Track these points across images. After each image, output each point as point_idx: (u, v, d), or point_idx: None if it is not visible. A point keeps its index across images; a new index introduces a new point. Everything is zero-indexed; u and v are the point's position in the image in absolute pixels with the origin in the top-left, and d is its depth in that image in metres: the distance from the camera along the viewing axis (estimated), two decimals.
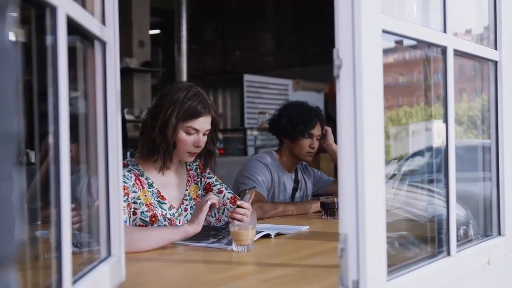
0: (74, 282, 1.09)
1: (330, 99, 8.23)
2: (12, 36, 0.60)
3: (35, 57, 1.07)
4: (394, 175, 2.16)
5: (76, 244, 1.37)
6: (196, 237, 2.04)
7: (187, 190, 2.34)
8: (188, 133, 2.18)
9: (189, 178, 2.36)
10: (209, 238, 2.04)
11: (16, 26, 0.63)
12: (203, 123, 2.20)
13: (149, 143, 2.19)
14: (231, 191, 2.40)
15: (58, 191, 1.00)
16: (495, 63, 1.81)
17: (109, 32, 1.36)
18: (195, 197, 2.35)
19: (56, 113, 1.00)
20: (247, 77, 8.07)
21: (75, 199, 1.15)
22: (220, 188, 2.38)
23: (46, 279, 1.12)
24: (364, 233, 1.15)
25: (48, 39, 1.01)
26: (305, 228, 2.35)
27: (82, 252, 1.45)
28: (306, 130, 2.98)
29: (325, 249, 1.93)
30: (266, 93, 8.19)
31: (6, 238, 0.57)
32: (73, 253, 1.06)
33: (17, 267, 0.60)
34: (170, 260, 1.80)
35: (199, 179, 2.40)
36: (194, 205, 2.33)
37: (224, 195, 2.35)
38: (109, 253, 1.36)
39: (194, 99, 2.17)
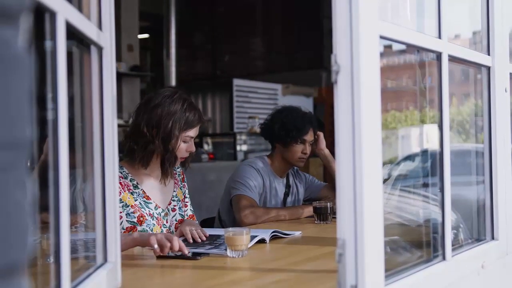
0: None
1: (319, 104, 8.24)
2: (25, 43, 0.60)
3: (32, 62, 1.06)
4: (385, 179, 2.17)
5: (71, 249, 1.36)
6: (192, 245, 2.03)
7: (174, 191, 2.42)
8: (185, 142, 2.29)
9: (175, 181, 2.46)
10: (205, 245, 2.04)
11: (28, 32, 0.63)
12: (197, 130, 2.33)
13: (149, 153, 2.25)
14: (192, 209, 2.53)
15: (57, 197, 0.99)
16: (488, 68, 1.82)
17: (105, 37, 1.35)
18: (181, 199, 2.46)
19: (55, 118, 0.99)
20: (236, 82, 8.06)
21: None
22: (187, 202, 2.51)
23: (43, 286, 1.11)
24: (363, 238, 1.15)
25: (47, 44, 1.01)
26: (298, 233, 2.35)
27: (77, 258, 1.44)
28: (299, 136, 2.98)
29: (320, 254, 1.94)
30: (256, 98, 8.18)
31: (19, 245, 0.57)
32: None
33: (27, 276, 0.60)
34: (166, 266, 1.80)
35: (182, 185, 2.51)
36: (181, 206, 2.43)
37: (186, 211, 2.47)
38: (105, 259, 1.36)
39: (191, 110, 2.29)
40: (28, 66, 0.59)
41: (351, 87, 1.16)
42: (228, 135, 7.66)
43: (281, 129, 3.00)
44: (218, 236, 2.18)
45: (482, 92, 1.86)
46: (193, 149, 2.33)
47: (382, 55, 1.52)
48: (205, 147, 7.46)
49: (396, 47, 1.56)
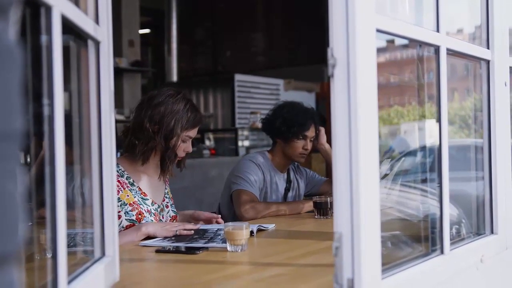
0: (69, 282, 1.08)
1: (322, 99, 8.24)
2: (15, 35, 0.60)
3: (28, 57, 1.06)
4: (386, 174, 2.16)
5: (69, 244, 1.37)
6: (183, 239, 2.03)
7: (166, 188, 2.47)
8: (184, 141, 2.33)
9: (166, 180, 2.50)
10: (198, 240, 2.04)
11: (18, 25, 0.63)
12: (196, 131, 2.38)
13: (150, 149, 2.28)
14: (175, 210, 2.51)
15: (53, 191, 1.00)
16: (487, 62, 1.82)
17: (102, 31, 1.35)
18: (171, 197, 2.51)
19: (51, 114, 0.99)
20: (238, 77, 8.05)
21: (67, 199, 1.14)
22: (171, 202, 2.51)
23: (40, 279, 1.11)
24: (359, 232, 1.15)
25: (43, 39, 1.01)
26: (272, 226, 2.37)
27: (75, 252, 1.45)
28: (300, 132, 2.98)
29: (319, 248, 1.94)
30: (257, 93, 8.18)
31: (10, 236, 0.57)
32: (67, 253, 1.06)
33: (19, 266, 0.61)
34: (164, 261, 1.80)
35: (169, 184, 2.55)
36: (172, 203, 2.48)
37: (168, 212, 2.45)
38: (103, 253, 1.36)
39: (193, 110, 2.33)
40: (18, 58, 0.60)
41: (347, 80, 1.16)
42: (230, 130, 7.66)
43: (283, 125, 3.00)
44: (205, 231, 2.19)
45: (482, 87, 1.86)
46: (190, 149, 2.38)
47: (384, 49, 1.52)
48: (207, 142, 7.47)
49: (398, 41, 1.56)
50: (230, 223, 1.95)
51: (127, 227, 2.20)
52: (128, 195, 2.26)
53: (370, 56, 1.20)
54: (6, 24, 0.57)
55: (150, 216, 2.28)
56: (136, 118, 2.31)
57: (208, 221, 2.43)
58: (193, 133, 2.35)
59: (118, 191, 2.21)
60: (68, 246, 1.13)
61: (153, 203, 2.33)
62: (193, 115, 2.32)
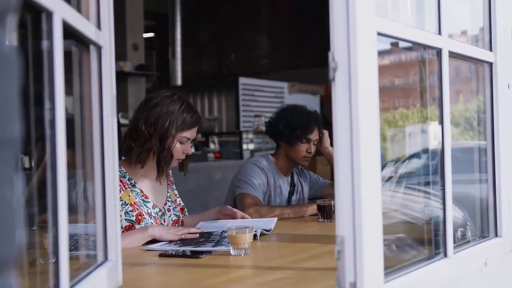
0: (72, 286, 1.09)
1: (326, 102, 8.23)
2: (12, 42, 0.60)
3: (30, 62, 1.07)
4: (390, 177, 2.16)
5: (71, 247, 1.37)
6: (189, 243, 2.03)
7: (168, 192, 2.46)
8: (181, 143, 2.32)
9: (169, 183, 2.50)
10: (205, 243, 2.04)
11: (15, 31, 0.63)
12: (195, 132, 2.36)
13: (146, 151, 2.28)
14: (178, 214, 2.51)
15: (55, 196, 1.00)
16: (490, 64, 1.81)
17: (104, 36, 1.36)
18: (174, 200, 2.49)
19: (52, 118, 1.00)
20: (242, 80, 8.06)
21: (70, 204, 1.15)
22: (179, 199, 2.54)
23: (43, 284, 1.11)
24: (361, 235, 1.15)
25: (44, 44, 1.01)
26: (274, 221, 2.39)
27: (78, 256, 1.45)
28: (303, 135, 2.98)
29: (322, 252, 1.93)
30: (262, 96, 8.18)
31: (7, 242, 0.57)
32: (70, 258, 1.06)
33: (17, 271, 0.61)
34: (167, 265, 1.80)
35: (173, 187, 2.54)
36: (175, 207, 2.46)
37: (170, 216, 2.45)
38: (106, 258, 1.36)
39: (189, 111, 2.32)
40: (15, 65, 0.60)
41: (349, 84, 1.16)
42: (234, 133, 7.67)
43: (286, 128, 3.00)
44: (210, 234, 2.19)
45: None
46: (189, 151, 2.36)
47: (389, 52, 1.51)
48: (211, 146, 7.46)
49: (403, 43, 1.55)
50: (233, 227, 1.95)
51: (126, 228, 2.20)
52: (129, 195, 2.26)
53: (371, 59, 1.20)
54: (3, 30, 0.58)
55: (150, 218, 2.28)
56: (133, 121, 2.33)
57: (233, 217, 2.46)
58: (190, 134, 2.33)
59: (120, 190, 2.21)
60: (70, 250, 1.14)
61: (154, 207, 2.33)
62: (189, 116, 2.30)
